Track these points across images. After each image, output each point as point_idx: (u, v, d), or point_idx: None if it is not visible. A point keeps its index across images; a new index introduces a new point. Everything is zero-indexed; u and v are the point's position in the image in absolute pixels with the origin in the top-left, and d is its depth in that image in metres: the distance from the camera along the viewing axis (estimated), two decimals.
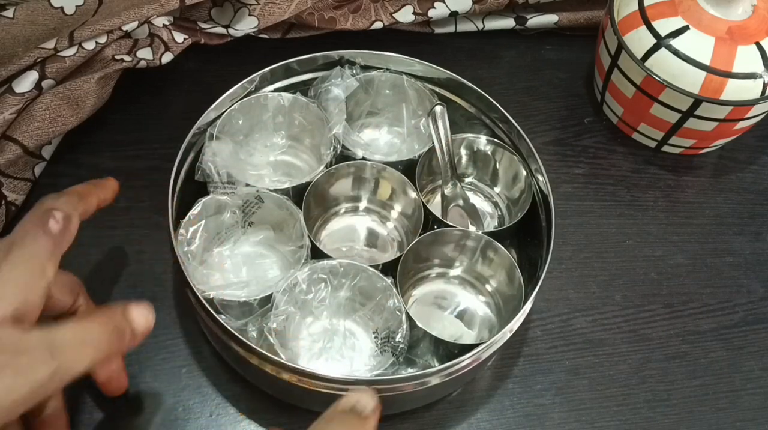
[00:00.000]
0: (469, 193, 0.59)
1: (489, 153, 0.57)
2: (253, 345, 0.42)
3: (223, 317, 0.45)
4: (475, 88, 0.56)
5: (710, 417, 0.52)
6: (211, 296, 0.46)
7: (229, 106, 0.53)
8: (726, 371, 0.55)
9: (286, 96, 0.55)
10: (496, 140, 0.56)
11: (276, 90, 0.56)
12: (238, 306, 0.47)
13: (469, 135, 0.56)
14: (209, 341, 0.50)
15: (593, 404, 0.52)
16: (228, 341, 0.44)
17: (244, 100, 0.54)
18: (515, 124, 0.54)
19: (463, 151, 0.57)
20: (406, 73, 0.57)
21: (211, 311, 0.43)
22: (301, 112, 0.56)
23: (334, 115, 0.54)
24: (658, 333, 0.56)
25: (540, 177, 0.53)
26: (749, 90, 0.57)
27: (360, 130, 0.60)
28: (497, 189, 0.58)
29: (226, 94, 0.53)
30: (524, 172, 0.55)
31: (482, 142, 0.56)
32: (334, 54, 0.57)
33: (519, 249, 0.54)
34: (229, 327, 0.43)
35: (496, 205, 0.58)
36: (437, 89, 0.57)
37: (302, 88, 0.57)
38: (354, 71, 0.57)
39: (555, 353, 0.54)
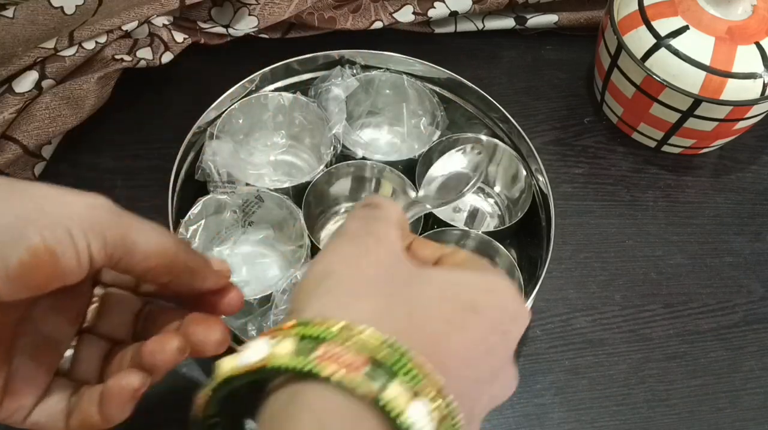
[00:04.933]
0: (469, 194, 0.59)
1: (489, 153, 0.57)
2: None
3: (222, 316, 0.45)
4: (475, 87, 0.56)
5: (710, 417, 0.52)
6: None
7: (230, 106, 0.53)
8: (726, 371, 0.55)
9: (287, 95, 0.55)
10: (495, 140, 0.56)
11: (276, 89, 0.56)
12: None
13: (469, 135, 0.56)
14: None
15: (593, 404, 0.52)
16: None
17: (245, 99, 0.54)
18: (515, 124, 0.54)
19: (463, 151, 0.57)
20: (406, 73, 0.57)
21: None
22: (302, 112, 0.56)
23: (334, 115, 0.54)
24: (658, 333, 0.56)
25: (540, 177, 0.53)
26: (749, 90, 0.57)
27: (360, 129, 0.60)
28: (497, 189, 0.58)
29: (226, 93, 0.53)
30: (524, 172, 0.55)
31: (482, 141, 0.56)
32: (335, 54, 0.57)
33: (519, 249, 0.54)
34: (229, 326, 0.42)
35: (496, 205, 0.58)
36: (437, 89, 0.58)
37: (302, 87, 0.57)
38: (354, 71, 0.57)
39: (555, 352, 0.54)
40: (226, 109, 0.53)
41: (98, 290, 0.37)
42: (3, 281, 0.25)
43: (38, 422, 0.32)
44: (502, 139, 0.56)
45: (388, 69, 0.58)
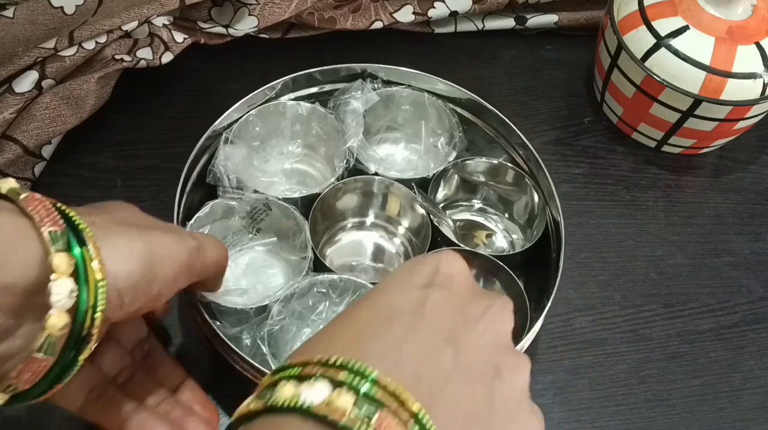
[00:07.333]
0: (480, 219, 0.58)
1: (504, 178, 0.56)
2: (242, 353, 0.42)
3: (218, 323, 0.45)
4: (496, 111, 0.56)
5: (710, 417, 0.52)
6: (208, 301, 0.45)
7: (247, 111, 0.53)
8: (726, 370, 0.55)
9: (305, 105, 0.55)
10: (510, 165, 0.55)
11: (296, 98, 0.56)
12: (234, 313, 0.47)
13: (485, 159, 0.56)
14: None
15: (593, 404, 0.52)
16: (219, 347, 0.44)
17: (263, 106, 0.54)
18: (533, 151, 0.54)
19: (478, 175, 0.57)
20: (427, 91, 0.57)
21: (207, 316, 0.43)
22: (319, 122, 0.56)
23: (350, 128, 0.54)
24: (658, 333, 0.56)
25: (554, 207, 0.52)
26: (749, 90, 0.57)
27: (378, 144, 0.60)
28: (509, 214, 0.58)
29: (244, 98, 0.52)
30: (537, 199, 0.54)
31: (499, 166, 0.56)
32: (357, 67, 0.57)
33: (526, 275, 0.53)
34: (221, 334, 0.42)
35: (506, 229, 0.58)
36: (458, 109, 0.57)
37: (322, 98, 0.57)
38: (375, 85, 0.56)
39: (554, 352, 0.54)
40: (243, 115, 0.53)
41: None
42: None
43: (54, 398, 0.35)
44: (519, 166, 0.55)
45: (409, 85, 0.57)
